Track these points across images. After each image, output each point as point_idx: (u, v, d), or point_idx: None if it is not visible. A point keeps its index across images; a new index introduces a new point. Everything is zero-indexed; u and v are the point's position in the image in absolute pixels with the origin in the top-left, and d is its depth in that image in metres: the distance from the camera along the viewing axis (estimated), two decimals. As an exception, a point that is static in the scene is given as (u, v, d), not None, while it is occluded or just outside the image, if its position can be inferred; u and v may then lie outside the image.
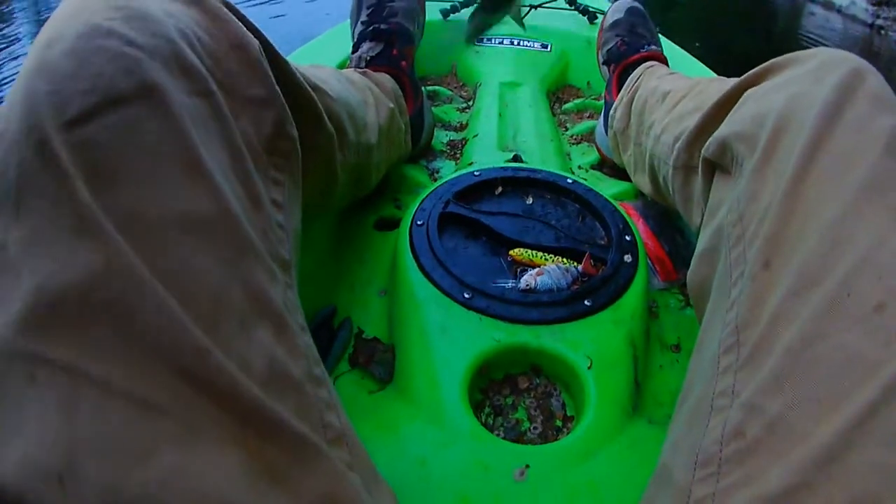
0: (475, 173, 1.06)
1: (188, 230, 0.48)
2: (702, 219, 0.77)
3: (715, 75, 1.60)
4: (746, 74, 0.78)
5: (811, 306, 0.51)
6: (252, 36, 0.64)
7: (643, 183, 1.12)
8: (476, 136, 1.37)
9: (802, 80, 0.67)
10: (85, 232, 0.43)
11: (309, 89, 0.74)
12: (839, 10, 7.94)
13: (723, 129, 0.74)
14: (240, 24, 0.64)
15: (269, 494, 0.45)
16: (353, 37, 1.31)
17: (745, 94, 0.76)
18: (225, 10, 0.63)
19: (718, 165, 0.75)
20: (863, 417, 0.45)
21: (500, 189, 1.06)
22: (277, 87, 0.65)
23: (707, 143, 0.77)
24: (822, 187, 0.56)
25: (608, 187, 1.25)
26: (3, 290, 0.43)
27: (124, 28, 0.51)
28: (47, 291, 0.41)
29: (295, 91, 0.71)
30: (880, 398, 0.46)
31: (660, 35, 1.50)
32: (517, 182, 1.07)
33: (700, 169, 0.80)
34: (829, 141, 0.59)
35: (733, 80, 0.80)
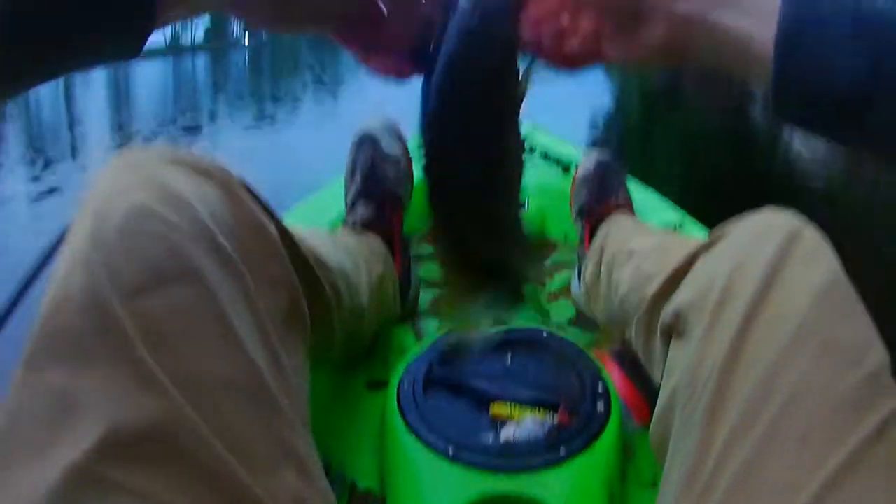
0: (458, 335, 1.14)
1: (228, 390, 0.58)
2: (661, 377, 0.85)
3: (682, 213, 1.69)
4: (699, 242, 0.87)
5: (747, 447, 0.60)
6: (269, 219, 0.74)
7: (614, 334, 1.19)
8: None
9: (744, 247, 0.75)
10: (148, 386, 0.52)
11: (314, 267, 0.84)
12: None
13: (676, 299, 0.82)
14: (259, 207, 0.74)
15: None
16: (346, 197, 1.40)
17: (696, 262, 0.84)
18: (246, 193, 0.73)
19: (674, 330, 0.82)
20: None
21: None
22: (291, 267, 0.75)
23: (663, 311, 0.85)
24: (759, 344, 0.65)
25: (584, 338, 1.32)
26: (77, 425, 0.50)
27: (166, 211, 0.61)
28: (119, 431, 0.50)
29: (303, 268, 0.81)
30: None
31: (632, 178, 1.58)
32: (498, 343, 1.14)
33: (658, 334, 0.88)
34: (766, 304, 0.67)
35: (690, 243, 0.89)
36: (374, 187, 1.36)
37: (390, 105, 1.49)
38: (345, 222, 1.35)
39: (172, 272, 0.58)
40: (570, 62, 0.63)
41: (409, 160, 1.46)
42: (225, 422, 0.56)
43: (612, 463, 0.94)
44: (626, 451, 1.03)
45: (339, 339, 0.96)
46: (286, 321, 0.73)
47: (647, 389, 1.11)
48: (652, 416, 1.00)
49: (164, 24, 0.49)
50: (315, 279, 0.85)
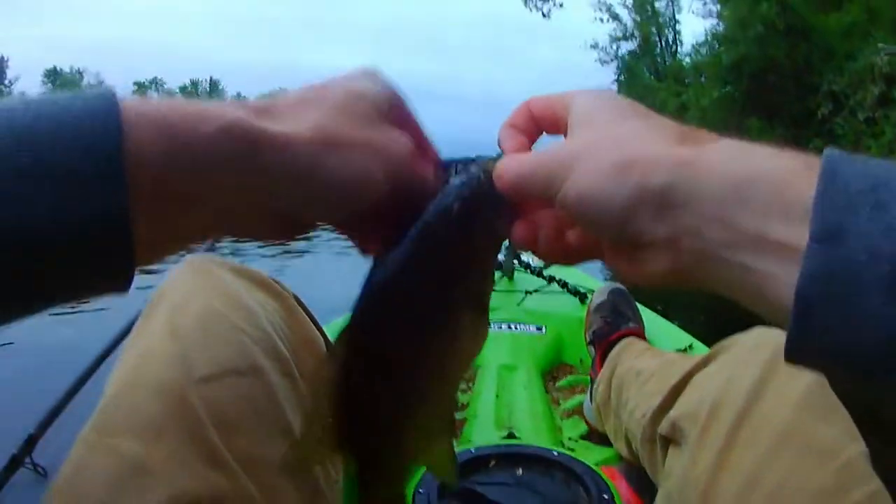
0: (472, 450, 1.20)
1: (283, 472, 0.65)
2: None
3: (689, 338, 1.75)
4: (696, 361, 0.94)
5: None
6: (318, 332, 0.84)
7: (622, 449, 1.24)
8: (475, 416, 1.50)
9: (735, 365, 0.82)
10: (215, 462, 0.59)
11: None
12: None
13: (673, 411, 0.89)
14: (310, 321, 0.83)
15: None
16: None
17: (693, 378, 0.92)
18: (298, 307, 0.83)
19: (671, 440, 0.88)
20: None
21: (493, 462, 1.19)
22: None
23: (662, 423, 0.91)
24: (744, 448, 0.71)
25: (595, 454, 1.37)
26: (146, 490, 0.56)
27: (234, 316, 0.71)
28: (185, 497, 0.56)
29: None
30: None
31: (642, 307, 1.66)
32: (509, 457, 1.21)
33: (658, 444, 0.94)
34: (753, 412, 0.73)
35: (690, 362, 0.97)
36: None
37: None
38: None
39: (239, 367, 0.66)
40: (566, 259, 0.56)
41: None
42: (279, 500, 0.63)
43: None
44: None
45: None
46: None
47: (651, 501, 1.15)
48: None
49: (149, 263, 0.45)
50: None
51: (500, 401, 1.57)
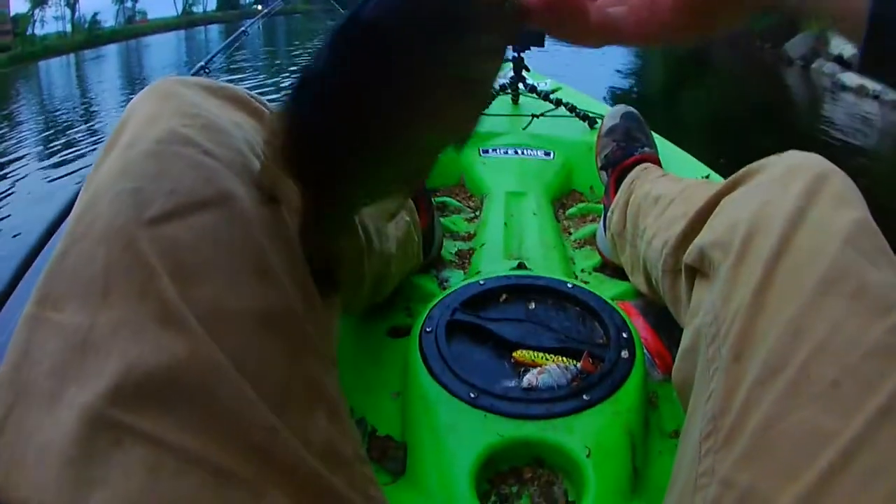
0: (480, 282, 1.14)
1: (260, 325, 0.54)
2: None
3: (707, 170, 1.68)
4: (724, 182, 0.85)
5: (775, 391, 0.58)
6: None
7: (640, 282, 1.18)
8: (483, 245, 1.44)
9: (771, 187, 0.74)
10: (170, 323, 0.49)
11: None
12: (875, 97, 7.71)
13: (701, 237, 0.81)
14: None
15: None
16: None
17: (722, 202, 0.83)
18: None
19: (698, 270, 0.81)
20: (824, 480, 0.51)
21: (504, 296, 1.14)
22: None
23: (688, 251, 0.83)
24: (786, 286, 0.63)
25: (609, 288, 1.32)
26: (92, 366, 0.47)
27: (200, 137, 0.58)
28: (135, 371, 0.46)
29: None
30: (838, 462, 0.52)
31: (656, 135, 1.58)
32: (520, 289, 1.15)
33: (683, 273, 0.87)
34: (793, 243, 0.65)
35: (716, 186, 0.87)
36: None
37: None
38: None
39: (204, 197, 0.55)
40: (604, 34, 0.55)
41: None
42: (254, 361, 0.52)
43: (635, 411, 0.93)
44: (650, 401, 1.02)
45: (368, 284, 0.95)
46: None
47: (670, 340, 1.10)
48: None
49: None
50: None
51: (509, 229, 1.50)
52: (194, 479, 0.45)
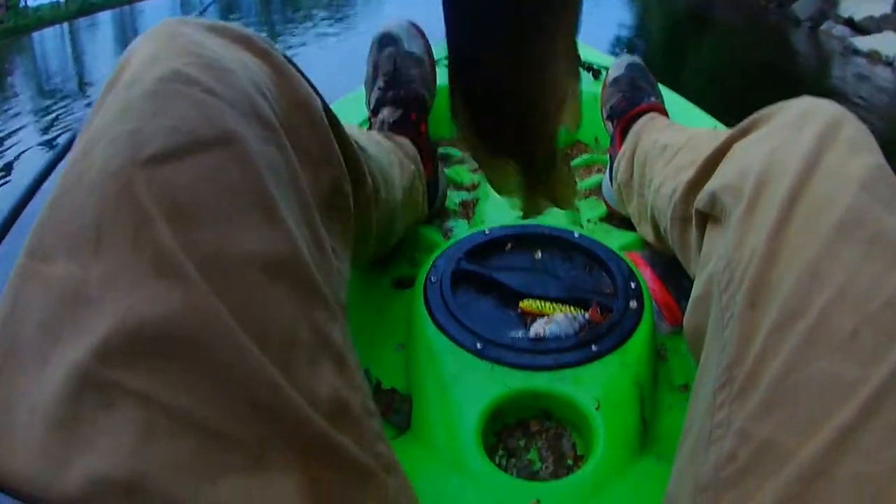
0: (485, 232, 1.12)
1: (264, 271, 0.50)
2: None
3: (714, 121, 1.65)
4: (735, 128, 0.82)
5: (792, 339, 0.55)
6: (314, 94, 0.69)
7: (647, 233, 1.16)
8: (487, 195, 1.42)
9: (783, 132, 0.71)
10: (165, 271, 0.45)
11: (357, 150, 0.78)
12: (889, 63, 7.37)
13: (712, 183, 0.78)
14: (303, 80, 0.68)
15: None
16: (368, 102, 1.36)
17: (732, 148, 0.80)
18: (289, 65, 0.68)
19: (710, 217, 0.79)
20: (844, 434, 0.49)
21: (509, 245, 1.11)
22: (337, 146, 0.70)
23: (698, 197, 0.81)
24: (802, 231, 0.61)
25: (615, 238, 1.29)
26: (82, 321, 0.44)
27: (203, 76, 0.55)
28: (127, 325, 0.43)
29: (346, 150, 0.74)
30: (859, 415, 0.49)
31: (662, 86, 1.55)
32: (526, 239, 1.12)
33: (693, 220, 0.84)
34: (808, 187, 0.63)
35: (725, 134, 0.85)
36: (398, 87, 1.31)
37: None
38: (369, 127, 1.31)
39: (205, 137, 0.51)
40: None
41: (432, 60, 1.42)
42: (257, 311, 0.49)
43: (644, 362, 0.91)
44: (658, 354, 1.00)
45: (374, 234, 0.92)
46: (329, 202, 0.68)
47: (678, 291, 1.09)
48: (684, 316, 0.98)
49: None
50: (357, 163, 0.79)
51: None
52: (189, 441, 0.43)
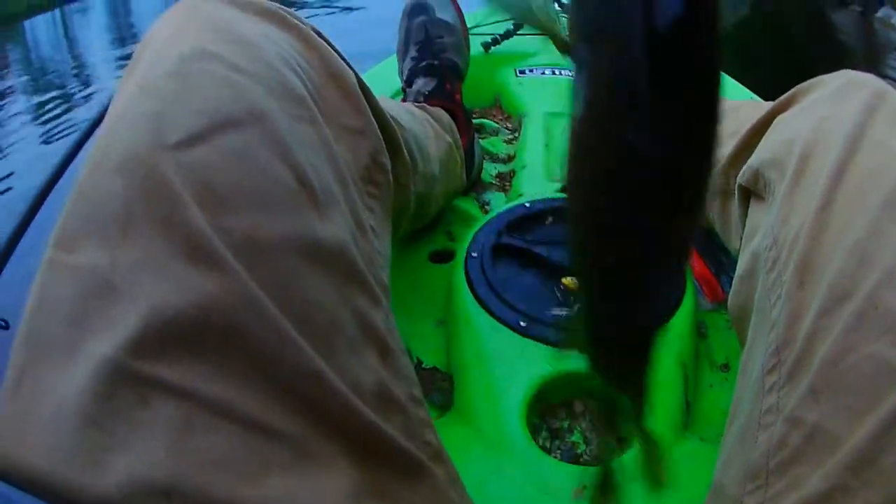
0: (526, 205, 1.10)
1: (302, 255, 0.48)
2: (740, 242, 0.80)
3: (750, 93, 1.62)
4: (776, 101, 0.81)
5: (842, 322, 0.54)
6: (346, 66, 0.66)
7: None
8: (524, 167, 1.40)
9: (826, 104, 0.70)
10: (200, 257, 0.43)
11: (392, 121, 0.76)
12: None
13: (755, 157, 0.77)
14: (334, 52, 0.66)
15: None
16: (401, 72, 1.34)
17: (775, 121, 0.79)
18: (318, 37, 0.65)
19: (753, 192, 0.78)
20: (892, 421, 0.48)
21: (550, 219, 1.10)
22: (373, 118, 0.67)
23: (741, 170, 0.79)
24: (848, 208, 0.59)
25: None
26: (112, 312, 0.42)
27: (228, 52, 0.52)
28: (161, 315, 0.41)
29: (381, 122, 0.71)
30: None
31: None
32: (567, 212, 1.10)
33: (736, 195, 0.83)
34: (853, 163, 0.61)
35: (766, 105, 0.83)
36: (432, 57, 1.29)
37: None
38: (404, 98, 1.30)
39: (234, 116, 0.49)
40: None
41: (465, 27, 1.40)
42: (297, 296, 0.47)
43: (686, 340, 0.90)
44: (699, 331, 0.99)
45: (413, 208, 0.91)
46: (367, 177, 0.66)
47: (717, 266, 1.07)
48: (723, 295, 0.96)
49: None
50: (394, 135, 0.76)
51: (550, 150, 1.45)
52: (230, 435, 0.41)
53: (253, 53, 0.54)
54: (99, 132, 0.50)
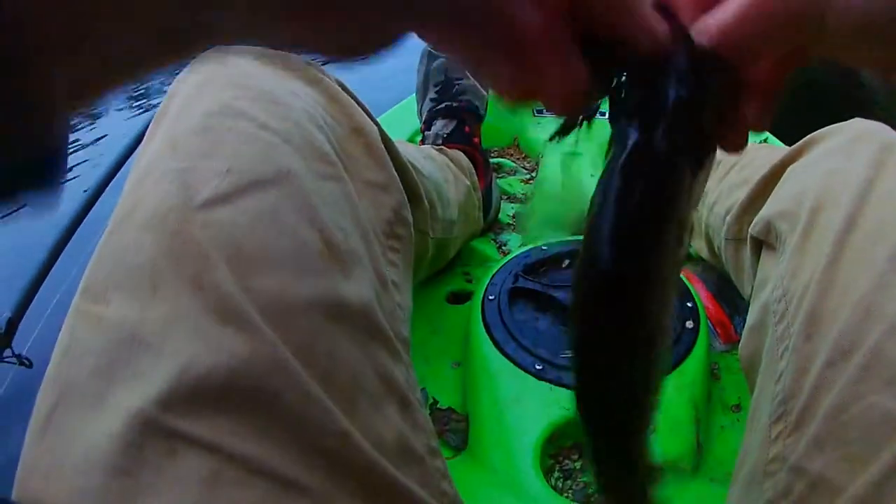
0: (543, 247, 1.12)
1: (327, 315, 0.49)
2: (751, 289, 0.81)
3: (765, 133, 1.63)
4: (789, 149, 0.82)
5: (846, 374, 0.55)
6: (370, 119, 0.67)
7: (701, 248, 1.15)
8: (541, 207, 1.41)
9: (837, 157, 0.72)
10: (230, 318, 0.44)
11: (413, 171, 0.77)
12: None
13: (767, 208, 0.78)
14: (357, 106, 0.67)
15: None
16: (419, 113, 1.36)
17: (787, 170, 0.80)
18: (342, 91, 0.66)
19: (764, 242, 0.79)
20: (892, 469, 0.49)
21: (567, 262, 1.11)
22: (395, 172, 0.68)
23: (753, 221, 0.81)
24: (856, 263, 0.61)
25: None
26: (141, 365, 0.42)
27: (254, 109, 0.53)
28: (191, 373, 0.42)
29: (403, 174, 0.73)
30: None
31: None
32: None
33: (748, 244, 0.84)
34: (861, 217, 0.63)
35: (778, 152, 0.85)
36: (451, 98, 1.31)
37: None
38: (422, 140, 1.32)
39: (261, 176, 0.50)
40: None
41: None
42: (323, 357, 0.48)
43: (699, 383, 0.91)
44: (712, 373, 1.00)
45: (431, 254, 0.93)
46: (389, 231, 0.67)
47: (731, 308, 1.08)
48: (737, 337, 0.98)
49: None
50: (415, 186, 0.78)
51: (567, 191, 1.47)
52: (257, 490, 0.42)
53: (278, 110, 0.56)
54: (129, 181, 0.52)
